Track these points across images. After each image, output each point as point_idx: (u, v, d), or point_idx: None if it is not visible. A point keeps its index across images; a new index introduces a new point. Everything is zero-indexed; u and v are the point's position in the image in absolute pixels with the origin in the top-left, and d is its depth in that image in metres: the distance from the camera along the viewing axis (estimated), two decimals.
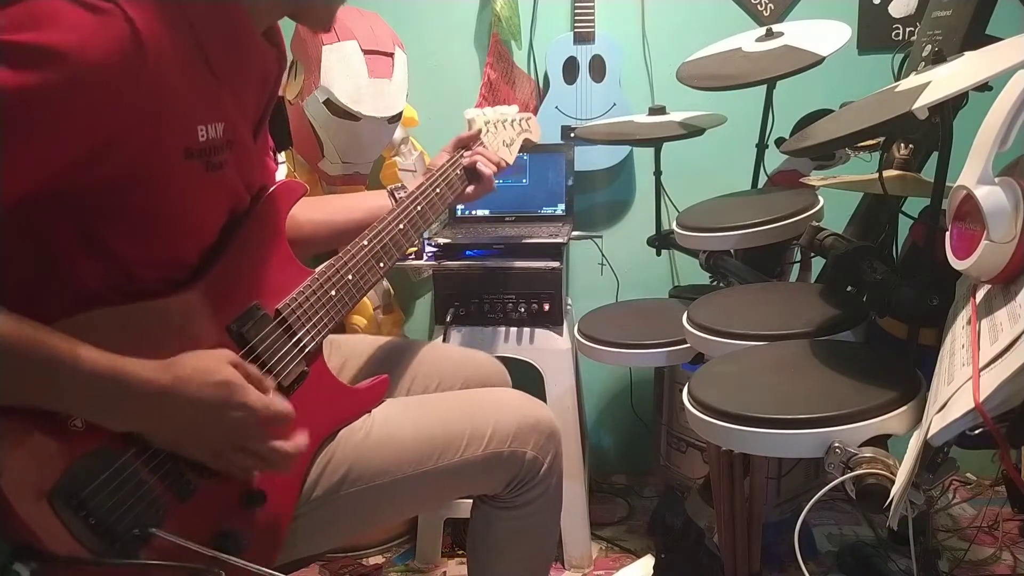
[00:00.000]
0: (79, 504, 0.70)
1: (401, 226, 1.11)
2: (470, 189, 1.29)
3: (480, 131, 1.35)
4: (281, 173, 1.72)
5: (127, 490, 0.74)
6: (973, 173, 0.75)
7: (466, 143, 1.32)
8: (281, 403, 0.82)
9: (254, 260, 0.91)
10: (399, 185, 1.24)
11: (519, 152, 1.45)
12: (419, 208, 1.15)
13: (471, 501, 1.17)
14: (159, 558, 0.76)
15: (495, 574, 1.17)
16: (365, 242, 1.05)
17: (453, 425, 1.04)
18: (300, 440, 0.84)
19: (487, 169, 1.28)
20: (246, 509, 0.86)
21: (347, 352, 1.22)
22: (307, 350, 0.94)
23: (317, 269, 0.99)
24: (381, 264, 1.06)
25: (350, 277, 1.01)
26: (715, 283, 1.61)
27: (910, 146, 1.28)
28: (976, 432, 0.68)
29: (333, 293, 0.98)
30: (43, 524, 0.68)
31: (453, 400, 1.14)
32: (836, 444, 0.81)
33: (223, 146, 0.84)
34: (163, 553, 0.76)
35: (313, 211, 1.17)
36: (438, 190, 1.20)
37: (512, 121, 1.43)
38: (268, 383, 0.83)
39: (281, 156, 1.73)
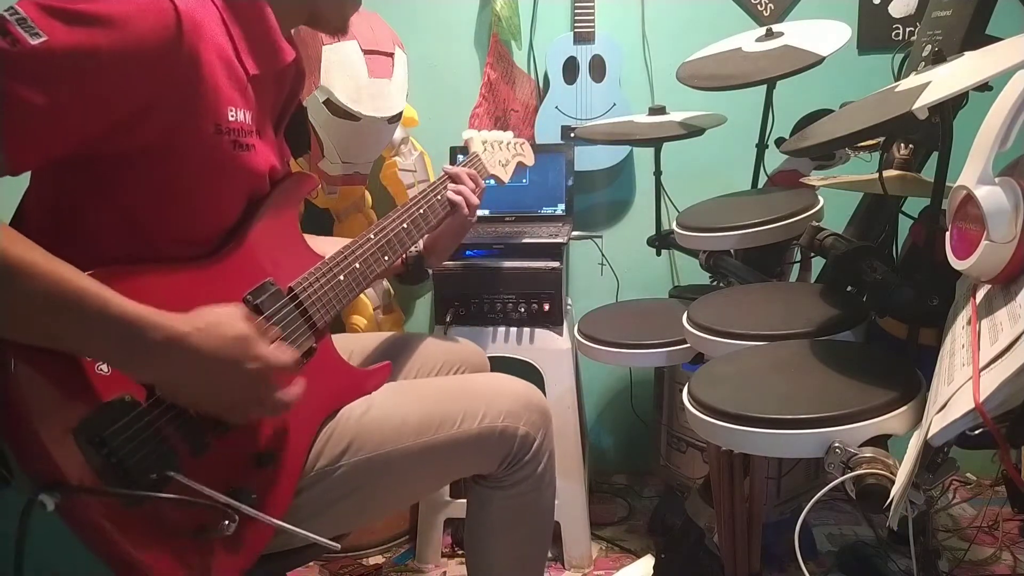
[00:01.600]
0: (101, 442, 0.73)
1: (404, 225, 1.16)
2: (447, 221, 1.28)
3: (476, 153, 1.39)
4: None
5: (146, 436, 0.77)
6: (973, 173, 0.75)
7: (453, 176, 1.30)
8: (287, 352, 0.85)
9: (269, 242, 0.96)
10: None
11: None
12: (421, 210, 1.20)
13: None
14: (174, 506, 0.78)
15: (493, 558, 1.18)
16: (372, 235, 1.10)
17: (449, 403, 1.08)
18: (297, 387, 0.87)
19: (457, 197, 1.25)
20: (255, 469, 0.88)
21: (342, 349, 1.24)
22: (316, 327, 0.98)
23: (327, 256, 1.03)
24: (386, 257, 1.11)
25: (357, 266, 1.06)
26: (715, 283, 1.61)
27: (910, 146, 1.28)
28: (976, 432, 0.68)
29: (342, 278, 1.03)
30: (67, 457, 0.71)
31: (448, 382, 1.20)
32: (836, 444, 0.81)
33: (251, 132, 0.89)
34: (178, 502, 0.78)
35: None
36: (439, 196, 1.25)
37: (508, 144, 1.48)
38: (273, 332, 0.87)
39: None
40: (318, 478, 0.98)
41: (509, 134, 1.50)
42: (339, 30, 1.05)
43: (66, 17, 0.70)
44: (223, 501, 0.80)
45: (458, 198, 1.25)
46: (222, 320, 0.79)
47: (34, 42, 0.68)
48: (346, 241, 1.09)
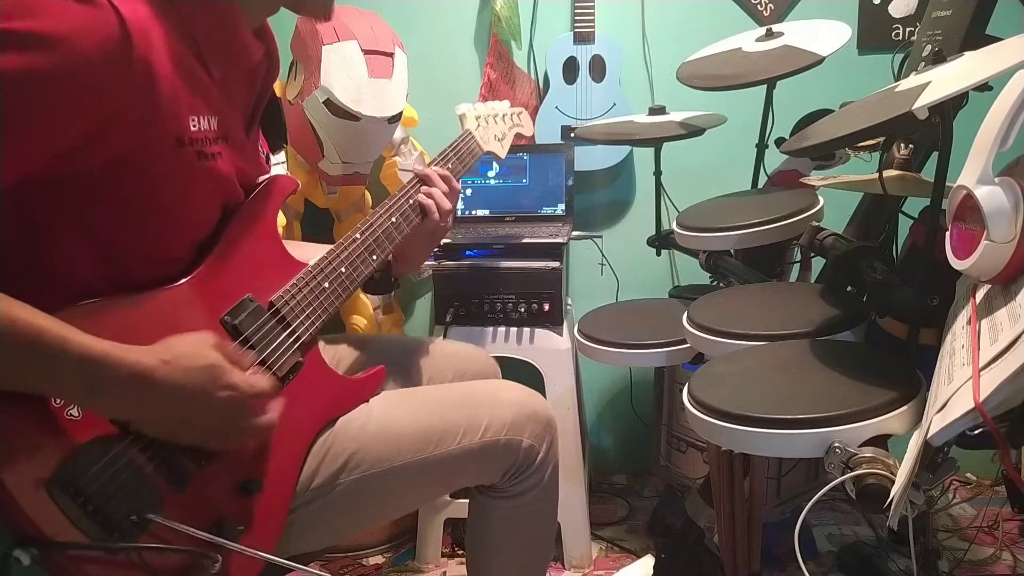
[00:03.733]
0: (76, 491, 0.71)
1: (394, 219, 1.12)
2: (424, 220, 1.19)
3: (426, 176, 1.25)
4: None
5: (124, 478, 0.75)
6: (973, 173, 0.75)
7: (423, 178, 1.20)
8: (264, 380, 0.83)
9: (246, 253, 0.92)
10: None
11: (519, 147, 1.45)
12: (411, 202, 1.16)
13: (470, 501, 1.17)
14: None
15: (494, 566, 1.17)
16: (358, 235, 1.06)
17: (450, 414, 1.05)
18: (276, 408, 0.84)
19: (427, 200, 1.16)
20: (242, 497, 0.87)
21: (340, 351, 1.23)
22: (301, 340, 0.95)
23: (311, 262, 1.00)
24: (374, 257, 1.08)
25: (343, 269, 1.02)
26: (715, 283, 1.61)
27: (910, 146, 1.28)
28: (976, 432, 0.68)
29: (327, 285, 1.00)
30: (42, 512, 0.69)
31: (450, 391, 1.15)
32: (836, 444, 0.81)
33: (217, 138, 0.86)
34: (161, 541, 0.77)
35: None
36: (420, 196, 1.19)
37: (503, 116, 1.45)
38: (246, 360, 0.84)
39: (280, 156, 1.73)
40: (315, 496, 0.96)
41: (505, 104, 1.46)
42: (324, 15, 0.98)
43: (2, 41, 0.66)
44: (205, 539, 0.78)
45: (428, 201, 1.16)
46: (189, 350, 0.77)
47: None
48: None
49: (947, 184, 0.89)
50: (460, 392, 1.14)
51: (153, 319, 0.81)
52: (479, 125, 1.38)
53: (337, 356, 1.22)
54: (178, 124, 0.80)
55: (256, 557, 0.82)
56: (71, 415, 0.72)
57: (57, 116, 0.70)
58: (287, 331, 0.93)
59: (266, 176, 1.00)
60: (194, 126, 0.82)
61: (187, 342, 0.78)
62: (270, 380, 0.84)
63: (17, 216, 0.77)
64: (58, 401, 0.72)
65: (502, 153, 1.42)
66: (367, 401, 1.05)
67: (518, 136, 1.49)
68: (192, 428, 0.79)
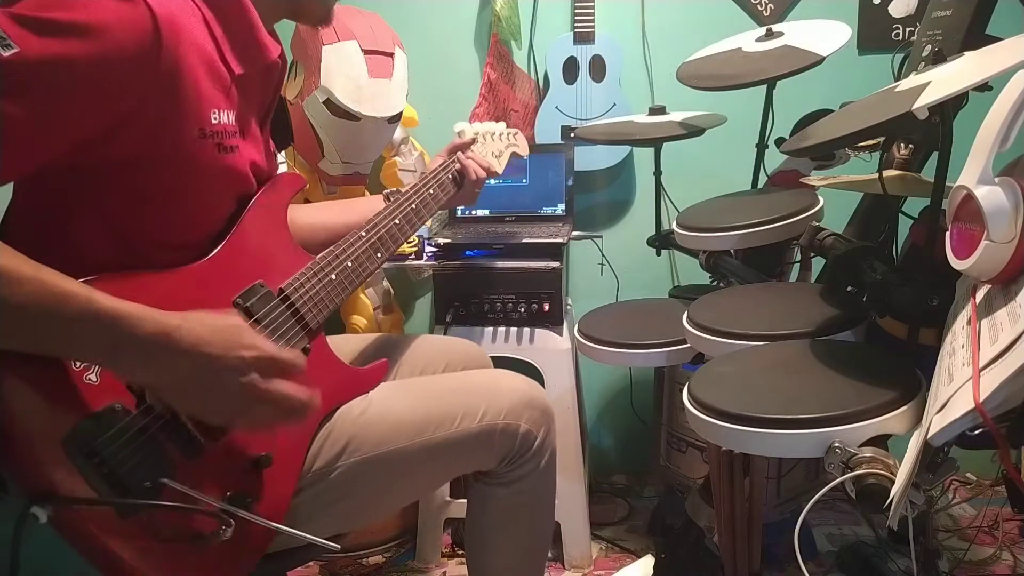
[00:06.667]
0: (92, 452, 0.72)
1: (397, 221, 1.16)
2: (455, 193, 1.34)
3: (473, 140, 1.41)
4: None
5: (138, 443, 0.76)
6: (973, 173, 0.75)
7: (459, 148, 1.36)
8: (291, 351, 0.81)
9: (258, 243, 0.95)
10: (395, 189, 1.26)
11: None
12: (413, 206, 1.20)
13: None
14: (170, 514, 0.78)
15: (494, 556, 1.18)
16: (363, 233, 1.10)
17: (449, 401, 1.07)
18: (316, 395, 0.81)
19: (472, 175, 1.33)
20: (252, 472, 0.88)
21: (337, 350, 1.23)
22: (309, 327, 0.97)
23: (317, 256, 1.02)
24: (379, 254, 1.11)
25: (349, 264, 1.05)
26: (715, 283, 1.61)
27: (910, 146, 1.28)
28: (976, 432, 0.68)
29: (333, 277, 1.02)
30: (58, 469, 0.71)
31: (448, 380, 1.18)
32: (836, 444, 0.81)
33: (235, 132, 0.89)
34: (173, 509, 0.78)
35: (311, 214, 1.23)
36: (431, 191, 1.26)
37: (500, 135, 1.48)
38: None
39: (280, 156, 1.73)
40: (316, 479, 0.97)
41: (502, 125, 1.49)
42: (324, 20, 1.03)
43: (39, 27, 0.69)
44: (218, 506, 0.80)
45: (476, 174, 1.33)
46: (212, 314, 0.76)
47: (6, 54, 0.67)
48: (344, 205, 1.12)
49: (947, 184, 0.89)
50: (458, 380, 1.17)
51: (168, 295, 0.81)
52: (476, 141, 1.41)
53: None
54: (200, 117, 0.83)
55: (267, 526, 0.84)
56: (89, 379, 0.74)
57: (86, 105, 0.73)
58: (295, 317, 0.96)
59: (277, 173, 1.04)
60: (215, 119, 0.85)
61: (209, 310, 0.78)
62: (294, 351, 0.82)
63: (37, 199, 0.80)
64: (77, 365, 0.74)
65: (499, 169, 1.45)
66: (368, 392, 1.08)
67: (515, 155, 1.51)
68: (213, 394, 0.75)
